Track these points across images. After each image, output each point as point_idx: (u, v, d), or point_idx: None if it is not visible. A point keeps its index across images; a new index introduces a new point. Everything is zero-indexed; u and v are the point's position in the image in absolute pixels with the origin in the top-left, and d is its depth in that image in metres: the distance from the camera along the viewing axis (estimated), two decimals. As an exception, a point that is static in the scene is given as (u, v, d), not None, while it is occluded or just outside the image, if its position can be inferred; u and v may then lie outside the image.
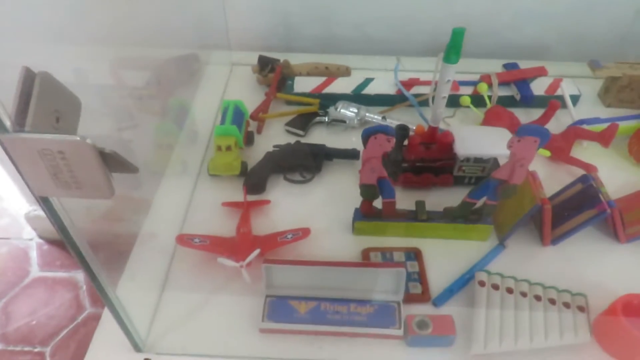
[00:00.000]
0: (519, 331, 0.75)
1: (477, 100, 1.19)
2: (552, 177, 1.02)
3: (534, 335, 0.75)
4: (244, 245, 0.84)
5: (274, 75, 1.23)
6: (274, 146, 1.07)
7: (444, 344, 0.76)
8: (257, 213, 0.96)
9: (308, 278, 0.80)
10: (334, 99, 1.17)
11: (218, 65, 1.36)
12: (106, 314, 0.79)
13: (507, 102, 1.19)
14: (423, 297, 0.82)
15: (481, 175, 0.99)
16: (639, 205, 0.92)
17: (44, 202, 0.48)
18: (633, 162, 1.08)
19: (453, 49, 0.85)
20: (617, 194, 0.95)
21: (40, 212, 1.21)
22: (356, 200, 0.89)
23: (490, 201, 0.85)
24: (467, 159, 0.96)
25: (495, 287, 0.81)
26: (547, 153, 1.06)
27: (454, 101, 1.18)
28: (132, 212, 0.96)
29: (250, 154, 1.08)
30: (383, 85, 1.24)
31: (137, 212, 0.95)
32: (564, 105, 1.19)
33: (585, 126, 1.09)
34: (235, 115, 1.06)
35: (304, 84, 1.24)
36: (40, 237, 1.88)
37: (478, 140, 0.96)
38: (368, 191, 0.85)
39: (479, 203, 0.86)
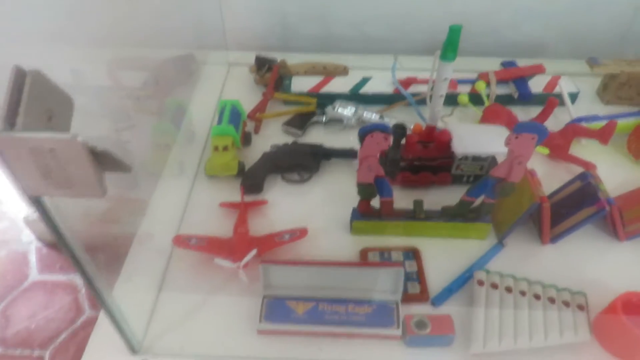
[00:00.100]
0: (519, 330, 0.75)
1: (475, 98, 1.18)
2: (550, 175, 1.02)
3: (534, 334, 0.74)
4: (241, 245, 0.83)
5: (271, 75, 1.23)
6: (272, 146, 1.07)
7: (443, 343, 0.75)
8: (255, 213, 0.96)
9: (306, 278, 0.79)
10: (331, 98, 1.17)
11: (215, 66, 1.36)
12: (102, 316, 0.79)
13: (505, 100, 1.19)
14: (422, 296, 0.81)
15: (479, 174, 0.98)
16: (638, 202, 0.92)
17: (36, 202, 0.48)
18: (632, 159, 1.07)
19: (450, 47, 0.85)
20: (616, 192, 0.95)
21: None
22: (354, 199, 0.89)
23: (488, 199, 0.85)
24: (465, 157, 0.95)
25: (494, 286, 0.80)
26: (546, 151, 1.05)
27: (452, 100, 1.18)
28: (129, 213, 0.96)
29: (248, 154, 1.07)
30: (381, 84, 1.23)
31: (134, 213, 0.95)
32: (562, 103, 1.18)
33: (583, 124, 1.09)
34: (232, 115, 1.05)
35: (301, 84, 1.23)
36: (39, 240, 1.87)
37: (476, 138, 0.95)
38: (365, 190, 0.84)
39: (477, 201, 0.86)
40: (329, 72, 1.29)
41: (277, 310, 0.77)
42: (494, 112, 1.09)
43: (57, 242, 0.55)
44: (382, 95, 1.21)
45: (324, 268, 0.78)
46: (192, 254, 0.86)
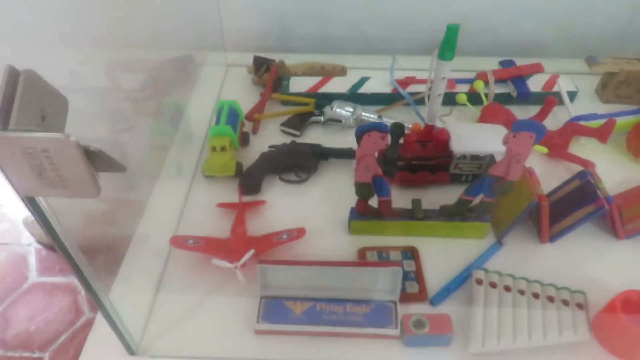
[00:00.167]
0: (518, 329, 0.74)
1: (474, 97, 1.18)
2: (549, 174, 1.01)
3: (533, 333, 0.74)
4: (239, 246, 0.83)
5: (269, 75, 1.23)
6: (270, 146, 1.06)
7: (441, 343, 0.75)
8: (253, 214, 0.96)
9: (303, 278, 0.79)
10: (329, 98, 1.17)
11: (213, 67, 1.36)
12: (100, 317, 0.78)
13: (503, 99, 1.19)
14: (420, 296, 0.81)
15: (478, 173, 0.98)
16: (637, 201, 0.91)
17: (30, 202, 0.47)
18: (631, 157, 1.07)
19: (448, 46, 0.84)
20: (615, 190, 0.95)
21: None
22: (352, 199, 0.89)
23: (486, 198, 0.84)
24: (464, 156, 0.95)
25: (493, 285, 0.80)
26: (545, 150, 1.05)
27: (450, 99, 1.18)
28: (126, 214, 0.96)
29: (246, 155, 1.07)
30: (379, 84, 1.23)
31: (132, 214, 0.95)
32: (561, 102, 1.18)
33: (582, 122, 1.09)
34: (230, 115, 1.05)
35: (299, 84, 1.23)
36: (39, 242, 1.87)
37: (474, 137, 0.95)
38: (363, 190, 0.84)
39: (476, 200, 0.86)
40: (327, 73, 1.28)
41: (274, 310, 0.77)
42: (493, 111, 1.09)
43: (52, 243, 0.55)
44: (380, 95, 1.21)
45: (322, 268, 0.78)
46: (189, 255, 0.86)
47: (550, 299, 0.78)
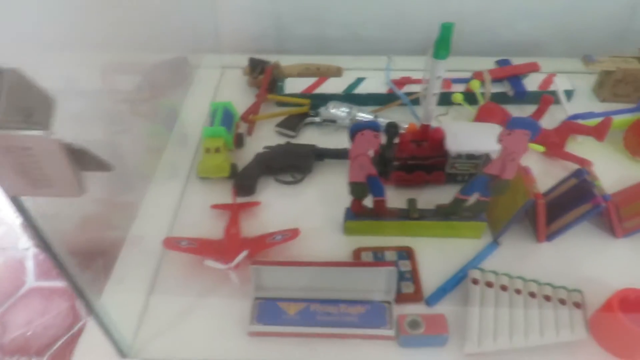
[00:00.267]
0: (514, 329, 0.73)
1: (470, 97, 1.18)
2: (546, 173, 1.01)
3: (529, 332, 0.73)
4: (232, 247, 0.82)
5: (264, 77, 1.22)
6: (265, 147, 1.06)
7: (437, 343, 0.74)
8: (248, 215, 0.95)
9: (297, 279, 0.78)
10: (325, 99, 1.16)
11: (208, 69, 1.35)
12: (92, 319, 0.78)
13: (500, 98, 1.18)
14: (415, 296, 0.80)
15: (474, 172, 0.97)
16: (635, 199, 0.91)
17: (15, 202, 0.47)
18: (628, 155, 1.06)
19: (442, 44, 0.84)
20: (613, 189, 0.94)
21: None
22: (348, 200, 0.88)
23: (482, 197, 0.84)
24: (459, 156, 0.94)
25: (489, 284, 0.79)
26: (541, 148, 1.04)
27: (446, 99, 1.17)
28: (120, 216, 0.95)
29: (241, 156, 1.06)
30: (375, 84, 1.23)
31: (126, 216, 0.94)
32: (558, 101, 1.17)
33: (579, 121, 1.08)
34: (225, 117, 1.04)
35: (294, 85, 1.23)
36: (37, 246, 1.87)
37: (470, 136, 0.94)
38: (357, 189, 0.83)
39: (471, 199, 0.85)
40: (323, 73, 1.28)
41: (268, 311, 0.76)
42: (489, 110, 1.08)
43: (39, 244, 0.54)
44: (376, 96, 1.21)
45: (316, 268, 0.77)
46: (183, 257, 0.85)
47: (547, 298, 0.77)
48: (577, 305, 0.77)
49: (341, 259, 0.87)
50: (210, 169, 0.99)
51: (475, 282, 0.80)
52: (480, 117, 1.08)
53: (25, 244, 1.88)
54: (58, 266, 0.57)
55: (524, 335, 0.73)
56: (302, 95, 1.20)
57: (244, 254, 0.79)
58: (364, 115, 1.14)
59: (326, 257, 0.86)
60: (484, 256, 0.87)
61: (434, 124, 0.96)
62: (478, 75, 1.21)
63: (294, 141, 1.09)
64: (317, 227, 0.92)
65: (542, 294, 0.78)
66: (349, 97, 1.19)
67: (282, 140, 1.09)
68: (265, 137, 1.13)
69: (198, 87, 1.29)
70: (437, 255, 0.87)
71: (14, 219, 1.86)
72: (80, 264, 0.63)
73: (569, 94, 1.20)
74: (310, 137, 1.13)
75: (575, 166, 0.99)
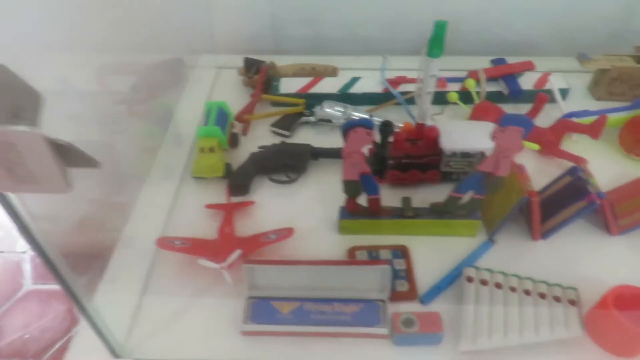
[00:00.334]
0: (509, 326, 0.73)
1: (465, 96, 1.17)
2: (542, 171, 1.00)
3: (524, 330, 0.72)
4: (226, 246, 0.82)
5: (258, 77, 1.22)
6: (259, 147, 1.06)
7: (431, 342, 0.74)
8: (242, 215, 0.95)
9: (291, 278, 0.78)
10: (320, 98, 1.16)
11: (204, 69, 1.35)
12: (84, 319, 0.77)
13: (495, 97, 1.18)
14: (410, 294, 0.80)
15: (469, 171, 0.97)
16: (630, 196, 0.90)
17: (2, 200, 0.46)
18: (624, 153, 1.06)
19: (436, 43, 0.84)
20: (608, 186, 0.94)
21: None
22: (343, 199, 0.88)
23: (477, 195, 0.83)
24: (454, 154, 0.94)
25: (484, 282, 0.79)
26: (536, 147, 1.04)
27: (442, 98, 1.17)
28: (113, 216, 0.95)
29: (236, 156, 1.06)
30: (370, 84, 1.23)
31: (119, 216, 0.94)
32: (553, 100, 1.17)
33: (574, 119, 1.08)
34: (219, 116, 1.04)
35: (289, 85, 1.22)
36: (28, 244, 1.86)
37: (464, 134, 0.94)
38: (351, 187, 0.83)
39: (466, 197, 0.85)
40: (318, 73, 1.28)
41: (261, 310, 0.76)
42: (484, 108, 1.08)
43: (27, 242, 0.54)
44: (371, 95, 1.20)
45: (309, 267, 0.77)
46: (177, 257, 0.85)
47: (542, 296, 0.77)
48: (572, 302, 0.76)
49: (336, 258, 0.86)
50: (205, 169, 0.98)
51: (469, 280, 0.79)
52: (475, 116, 1.08)
53: (22, 247, 1.88)
54: (48, 265, 0.57)
55: (518, 333, 0.72)
56: (297, 95, 1.20)
57: (237, 253, 0.79)
58: (358, 114, 1.13)
59: (321, 257, 0.86)
60: (478, 254, 0.86)
61: (429, 123, 0.96)
62: (473, 74, 1.21)
63: (288, 141, 1.09)
64: (312, 226, 0.92)
65: (537, 291, 0.78)
66: (344, 97, 1.19)
67: (277, 140, 1.08)
68: (260, 136, 1.12)
69: (193, 87, 1.29)
70: (432, 253, 0.87)
71: (11, 223, 1.85)
72: (73, 264, 0.63)
73: (564, 92, 1.20)
74: (305, 136, 1.13)
75: (570, 164, 0.99)
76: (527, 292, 0.78)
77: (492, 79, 1.21)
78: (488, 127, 0.93)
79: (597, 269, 0.84)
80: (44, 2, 0.93)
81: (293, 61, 1.31)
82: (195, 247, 0.84)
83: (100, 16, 1.00)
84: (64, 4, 0.96)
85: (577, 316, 0.74)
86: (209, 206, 0.95)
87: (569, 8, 1.34)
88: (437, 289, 0.81)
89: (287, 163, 1.02)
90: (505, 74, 1.21)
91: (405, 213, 0.88)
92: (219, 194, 0.98)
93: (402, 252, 0.86)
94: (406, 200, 0.89)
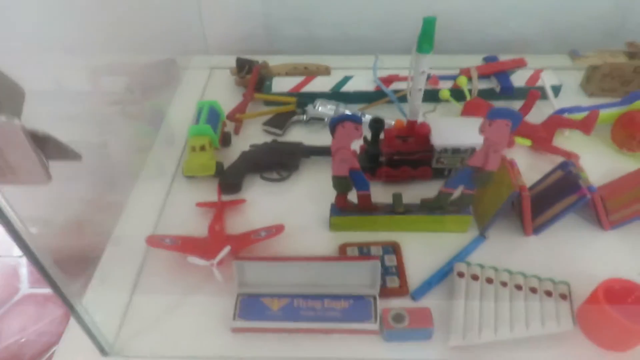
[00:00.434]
0: (499, 321, 0.73)
1: (457, 94, 1.17)
2: (534, 167, 1.00)
3: (515, 324, 0.72)
4: (216, 244, 0.82)
5: (251, 76, 1.22)
6: (251, 145, 1.05)
7: (422, 337, 0.73)
8: (234, 213, 0.94)
9: (281, 275, 0.77)
10: (312, 97, 1.16)
11: (196, 70, 1.35)
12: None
13: (487, 94, 1.18)
14: (401, 290, 0.80)
15: (460, 167, 0.97)
16: (621, 191, 0.90)
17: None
18: (616, 149, 1.06)
19: (425, 39, 0.84)
20: (601, 182, 0.94)
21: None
22: (334, 196, 0.88)
23: (467, 190, 0.83)
24: (445, 150, 0.94)
25: (475, 277, 0.78)
26: (528, 142, 1.04)
27: (434, 96, 1.17)
28: (103, 215, 0.95)
29: (228, 155, 1.06)
30: (362, 82, 1.23)
31: (110, 215, 0.94)
32: (546, 96, 1.17)
33: (566, 115, 1.07)
34: (210, 115, 1.04)
35: (282, 84, 1.22)
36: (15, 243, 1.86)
37: (455, 131, 0.94)
38: (340, 183, 0.83)
39: (456, 193, 0.84)
40: (311, 73, 1.28)
41: (251, 307, 0.75)
42: (475, 105, 1.08)
43: (14, 241, 0.54)
44: (363, 94, 1.21)
45: (299, 263, 0.77)
46: (168, 255, 0.85)
47: (533, 290, 0.77)
48: (564, 297, 0.76)
49: (327, 255, 0.86)
50: (196, 168, 0.98)
51: (460, 275, 0.79)
52: (467, 113, 1.08)
53: (19, 251, 1.87)
54: (34, 264, 0.57)
55: (509, 328, 0.72)
56: (289, 93, 1.20)
57: (226, 249, 0.79)
58: (350, 113, 1.13)
59: (312, 254, 0.85)
60: (470, 250, 0.86)
61: (421, 120, 0.96)
62: (465, 71, 1.21)
63: (280, 139, 1.09)
64: (303, 224, 0.92)
65: (528, 286, 0.77)
66: (337, 95, 1.19)
67: (269, 139, 1.08)
68: (253, 135, 1.12)
69: (186, 87, 1.29)
70: (424, 249, 0.87)
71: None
72: (62, 262, 0.63)
73: (556, 89, 1.20)
74: (297, 134, 1.13)
75: (562, 160, 0.99)
76: (519, 287, 0.77)
77: (484, 76, 1.21)
78: (478, 123, 0.93)
79: (589, 263, 0.84)
80: (38, 4, 0.94)
81: (286, 61, 1.31)
82: (185, 245, 0.83)
83: (93, 18, 1.01)
84: (58, 6, 0.96)
85: (568, 310, 0.74)
86: (200, 204, 0.95)
87: (562, 6, 1.34)
88: (428, 285, 0.80)
89: (278, 161, 1.01)
90: (497, 71, 1.21)
91: (396, 209, 0.88)
92: (210, 193, 0.98)
93: (393, 248, 0.86)
94: (397, 197, 0.89)
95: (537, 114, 1.11)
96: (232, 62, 1.30)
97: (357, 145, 0.99)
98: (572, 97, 1.22)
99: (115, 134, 1.10)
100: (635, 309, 0.71)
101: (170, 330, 0.76)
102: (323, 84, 1.22)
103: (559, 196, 0.87)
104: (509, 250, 0.87)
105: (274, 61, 1.30)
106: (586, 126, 1.01)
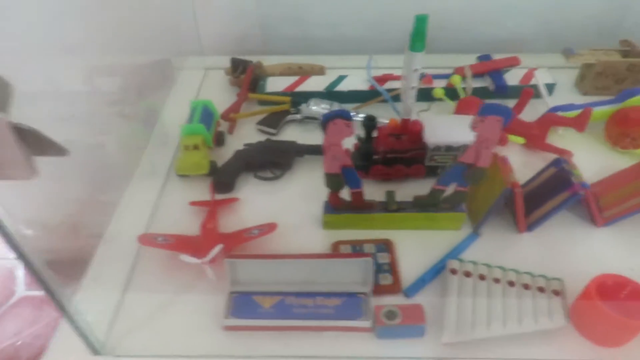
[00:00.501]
0: (492, 317, 0.72)
1: (451, 93, 1.17)
2: (528, 165, 1.00)
3: (507, 321, 0.72)
4: (208, 242, 0.81)
5: (245, 76, 1.22)
6: (245, 144, 1.05)
7: (414, 334, 0.73)
8: (227, 211, 0.94)
9: (273, 272, 0.77)
10: (306, 97, 1.16)
11: (191, 70, 1.35)
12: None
13: (481, 93, 1.18)
14: (394, 288, 0.79)
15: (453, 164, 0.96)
16: (614, 188, 0.90)
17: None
18: (610, 146, 1.06)
19: (417, 37, 0.84)
20: (595, 179, 0.94)
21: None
22: (327, 195, 0.87)
23: (460, 187, 0.83)
24: (438, 148, 0.94)
25: (467, 274, 0.78)
26: (522, 140, 1.04)
27: (428, 95, 1.17)
28: (96, 214, 0.94)
29: (222, 154, 1.06)
30: (356, 81, 1.23)
31: (102, 214, 0.93)
32: (539, 95, 1.17)
33: (560, 113, 1.07)
34: (204, 114, 1.04)
35: (276, 84, 1.23)
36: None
37: (448, 128, 0.94)
38: (333, 181, 0.82)
39: (449, 190, 0.84)
40: (305, 72, 1.28)
41: (243, 305, 0.75)
42: (468, 103, 1.08)
43: (4, 241, 0.54)
44: (357, 93, 1.21)
45: (292, 261, 0.76)
46: (160, 254, 0.85)
47: (526, 287, 0.76)
48: (557, 293, 0.76)
49: (319, 253, 0.86)
50: (189, 167, 0.98)
51: (453, 272, 0.79)
52: (460, 111, 1.08)
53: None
54: (24, 263, 0.56)
55: (502, 324, 0.72)
56: (283, 93, 1.20)
57: (218, 247, 0.78)
58: (345, 111, 1.13)
59: (304, 251, 0.85)
60: (463, 247, 0.86)
61: (414, 118, 0.96)
62: (459, 70, 1.21)
63: (274, 138, 1.09)
64: (296, 222, 0.92)
65: (521, 282, 0.77)
66: (331, 95, 1.19)
67: (263, 138, 1.08)
68: (247, 135, 1.12)
69: (180, 88, 1.30)
70: (417, 247, 0.87)
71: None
72: (54, 262, 0.63)
73: (550, 87, 1.20)
74: (291, 134, 1.13)
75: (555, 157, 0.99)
76: (511, 284, 0.77)
77: (478, 75, 1.21)
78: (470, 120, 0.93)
79: (582, 260, 0.84)
80: (34, 5, 0.94)
81: (281, 61, 1.31)
82: (177, 244, 0.83)
83: (88, 19, 1.01)
84: (53, 6, 0.96)
85: (561, 307, 0.74)
86: (193, 203, 0.95)
87: (556, 5, 1.34)
88: (421, 282, 0.80)
89: (272, 160, 1.01)
90: (491, 70, 1.21)
91: (389, 207, 0.87)
92: (204, 192, 0.98)
93: (386, 246, 0.86)
94: (390, 194, 0.89)
95: (531, 113, 1.11)
96: (226, 62, 1.30)
97: (350, 143, 0.99)
98: (567, 95, 1.22)
99: (110, 134, 1.10)
100: (627, 303, 0.70)
101: (162, 329, 0.76)
102: (317, 84, 1.22)
103: (551, 193, 0.87)
104: (502, 248, 0.87)
105: (268, 61, 1.30)
106: (579, 124, 1.01)
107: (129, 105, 1.17)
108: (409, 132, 0.95)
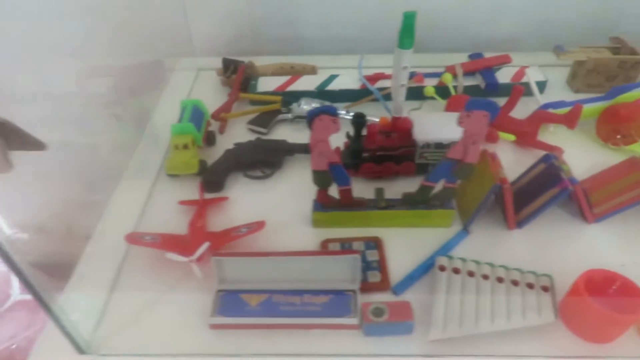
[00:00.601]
0: (480, 314, 0.72)
1: (443, 91, 1.17)
2: (519, 162, 0.99)
3: (496, 317, 0.71)
4: (196, 240, 0.81)
5: (236, 76, 1.22)
6: (235, 144, 1.05)
7: (402, 331, 0.73)
8: (216, 210, 0.94)
9: (260, 270, 0.77)
10: (297, 96, 1.16)
11: (183, 71, 1.35)
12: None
13: (472, 91, 1.18)
14: (382, 285, 0.79)
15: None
16: (603, 184, 0.90)
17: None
18: (601, 143, 1.06)
19: (405, 34, 0.84)
20: (586, 176, 0.94)
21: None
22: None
23: (448, 184, 0.83)
24: (427, 145, 0.93)
25: (456, 271, 0.78)
26: (512, 137, 1.04)
27: (419, 93, 1.17)
28: (85, 214, 0.94)
29: (213, 154, 1.05)
30: (348, 81, 1.23)
31: (91, 214, 0.93)
32: (531, 93, 1.17)
33: (551, 110, 1.07)
34: (194, 114, 1.04)
35: (267, 84, 1.22)
36: (21, 259, 1.85)
37: (437, 125, 0.94)
38: (320, 178, 0.82)
39: (438, 186, 0.84)
40: (297, 72, 1.28)
41: (230, 303, 0.75)
42: (458, 100, 1.08)
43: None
44: (349, 92, 1.20)
45: (279, 258, 0.76)
46: (149, 253, 0.84)
47: (515, 283, 0.76)
48: (545, 289, 0.75)
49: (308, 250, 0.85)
50: (178, 166, 0.98)
51: (442, 269, 0.78)
52: (451, 108, 1.08)
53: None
54: (6, 262, 0.56)
55: (490, 320, 0.71)
56: (274, 92, 1.19)
57: (205, 245, 0.78)
58: (336, 110, 1.13)
59: (294, 250, 0.85)
60: (453, 244, 0.86)
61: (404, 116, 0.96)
62: (450, 68, 1.21)
63: (265, 137, 1.08)
64: (285, 221, 0.91)
65: (510, 279, 0.77)
66: (322, 94, 1.19)
67: (254, 138, 1.08)
68: (238, 134, 1.12)
69: (172, 88, 1.30)
70: (407, 245, 0.86)
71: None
72: (40, 261, 0.62)
73: (541, 85, 1.20)
74: (282, 133, 1.13)
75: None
76: (500, 280, 0.77)
77: (469, 73, 1.21)
78: (460, 117, 0.93)
79: (573, 256, 0.83)
80: (27, 7, 0.94)
81: (273, 62, 1.31)
82: (165, 242, 0.83)
83: (80, 21, 1.01)
84: (45, 8, 0.97)
85: (550, 303, 0.73)
86: (183, 202, 0.94)
87: (548, 4, 1.34)
88: (409, 279, 0.80)
89: (261, 159, 1.01)
90: (482, 68, 1.21)
91: (378, 204, 0.87)
92: (194, 191, 0.97)
93: (375, 244, 0.85)
94: (379, 191, 0.89)
95: (523, 110, 1.11)
96: (219, 63, 1.30)
97: (341, 142, 0.98)
98: (558, 93, 1.22)
99: (102, 134, 1.10)
100: (616, 299, 0.70)
101: (148, 328, 0.75)
102: (308, 83, 1.22)
103: (541, 189, 0.86)
104: (492, 245, 0.87)
105: (260, 62, 1.30)
106: (570, 120, 1.01)
107: (121, 106, 1.17)
108: (399, 129, 0.95)
